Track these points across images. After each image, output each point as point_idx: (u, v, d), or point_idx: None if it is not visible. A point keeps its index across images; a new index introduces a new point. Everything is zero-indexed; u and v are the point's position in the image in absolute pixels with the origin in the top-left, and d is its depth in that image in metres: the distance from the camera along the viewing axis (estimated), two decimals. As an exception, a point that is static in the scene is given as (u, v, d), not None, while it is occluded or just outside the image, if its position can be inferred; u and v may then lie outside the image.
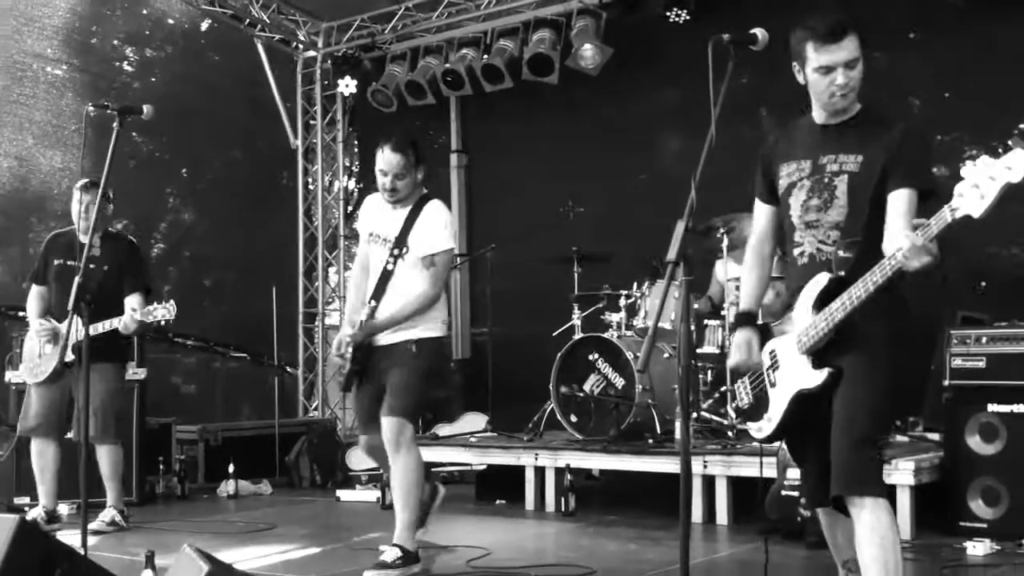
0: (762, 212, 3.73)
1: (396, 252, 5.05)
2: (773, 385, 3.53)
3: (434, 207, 5.13)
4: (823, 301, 3.32)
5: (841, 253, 3.36)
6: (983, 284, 6.53)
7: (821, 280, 3.36)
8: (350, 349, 5.10)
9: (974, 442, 5.56)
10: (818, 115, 3.52)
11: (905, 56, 7.64)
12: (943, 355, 5.75)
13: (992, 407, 5.52)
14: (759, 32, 3.42)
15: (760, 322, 3.69)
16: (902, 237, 3.01)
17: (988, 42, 7.36)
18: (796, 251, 3.52)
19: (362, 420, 5.30)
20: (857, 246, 3.34)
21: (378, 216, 5.22)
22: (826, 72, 3.35)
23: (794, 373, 3.43)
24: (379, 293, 5.09)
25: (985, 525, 5.41)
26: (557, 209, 8.27)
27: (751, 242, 3.78)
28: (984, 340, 5.62)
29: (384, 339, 5.07)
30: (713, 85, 3.29)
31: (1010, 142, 2.83)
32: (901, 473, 5.49)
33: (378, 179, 5.10)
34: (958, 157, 7.63)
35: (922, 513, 5.57)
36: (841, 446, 3.27)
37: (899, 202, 3.29)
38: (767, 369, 3.56)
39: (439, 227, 5.08)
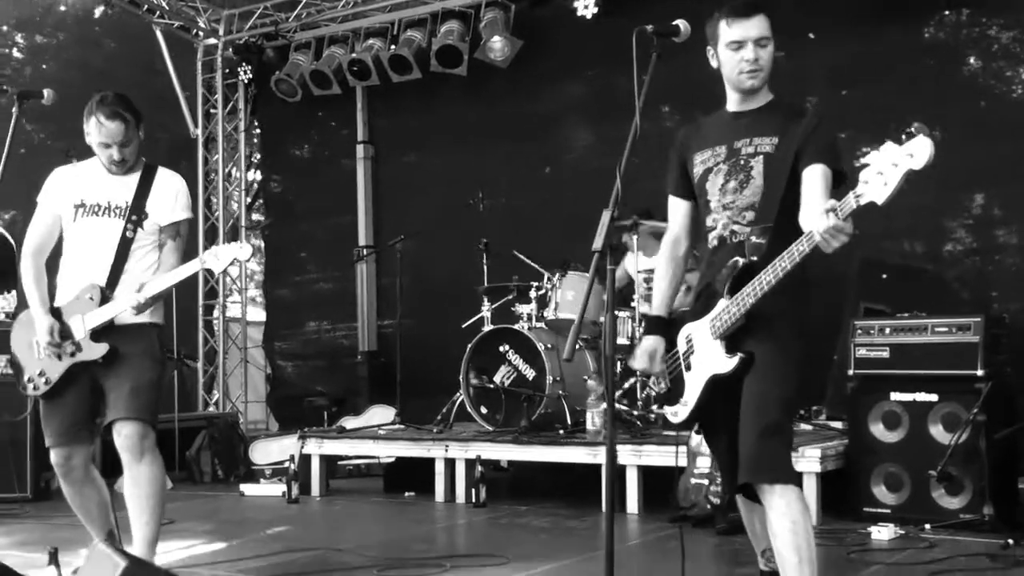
0: (677, 208, 3.71)
1: (135, 219, 4.41)
2: (689, 369, 3.54)
3: (169, 174, 4.58)
4: (735, 286, 3.33)
5: (754, 239, 3.37)
6: (884, 276, 6.70)
7: (734, 265, 3.37)
8: (61, 339, 4.34)
9: (877, 430, 5.69)
10: (731, 101, 3.55)
11: (804, 56, 7.79)
12: (847, 345, 5.88)
13: (895, 395, 5.64)
14: (682, 24, 3.41)
15: (671, 314, 3.69)
16: (818, 216, 3.00)
17: (882, 41, 7.56)
18: (710, 235, 3.54)
19: (66, 428, 4.40)
20: (770, 232, 3.36)
21: (92, 185, 4.49)
22: (737, 48, 3.41)
23: (708, 358, 3.44)
24: (118, 266, 4.39)
25: (888, 510, 5.53)
26: (466, 201, 8.24)
27: (665, 242, 3.76)
28: (888, 331, 5.76)
29: (122, 318, 4.34)
30: (637, 76, 3.30)
31: (913, 128, 2.84)
32: (807, 461, 5.59)
33: (99, 153, 4.43)
34: (853, 155, 7.84)
35: (827, 499, 5.68)
36: (749, 435, 3.28)
37: (815, 177, 3.31)
38: (683, 354, 3.56)
39: (180, 194, 4.54)
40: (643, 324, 3.73)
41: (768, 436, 3.26)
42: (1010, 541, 4.87)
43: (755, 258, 3.33)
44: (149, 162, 4.57)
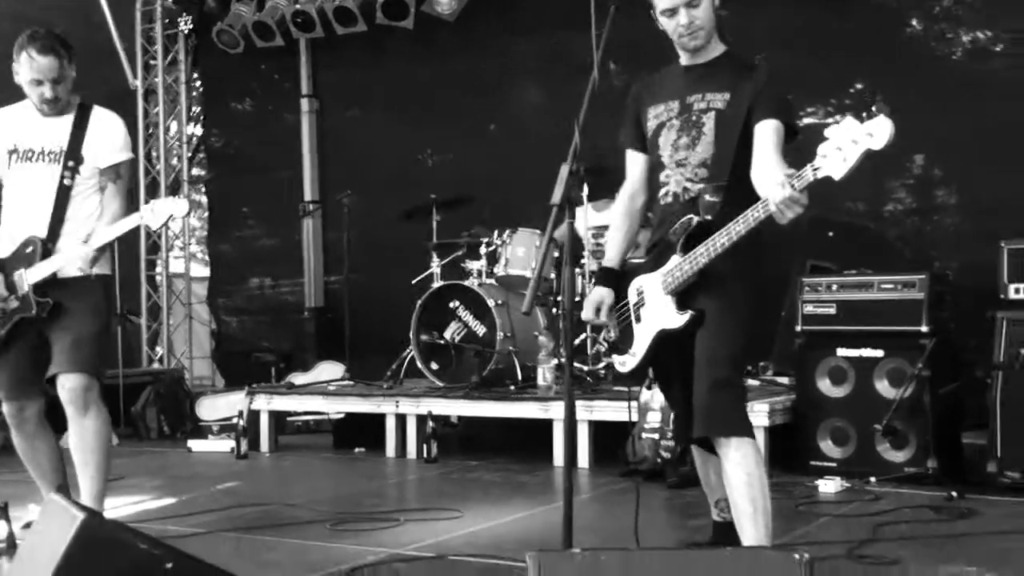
0: (634, 161, 3.76)
1: (72, 164, 4.28)
2: (639, 321, 3.59)
3: (105, 113, 4.42)
4: (688, 244, 3.37)
5: (707, 197, 3.43)
6: (831, 234, 6.79)
7: (689, 223, 3.41)
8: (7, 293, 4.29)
9: (824, 385, 5.78)
10: (683, 57, 3.61)
11: (747, 15, 7.77)
12: (795, 302, 5.96)
13: (841, 351, 5.73)
14: None
15: (623, 266, 3.75)
16: (775, 186, 3.02)
17: (824, 2, 7.59)
18: (661, 191, 3.58)
19: (16, 382, 4.37)
20: (724, 190, 3.40)
21: (24, 129, 4.34)
22: (671, 15, 3.45)
23: (658, 312, 3.49)
24: (59, 215, 4.29)
25: (834, 464, 5.63)
26: (414, 157, 8.19)
27: (621, 196, 3.80)
28: (835, 287, 5.84)
29: (65, 271, 4.25)
30: (595, 29, 3.31)
31: (874, 107, 2.90)
32: (756, 415, 5.64)
33: (30, 92, 4.26)
34: (796, 115, 7.87)
35: (775, 453, 5.77)
36: (703, 390, 3.34)
37: (767, 132, 3.35)
38: (633, 305, 3.61)
39: (117, 134, 4.40)
40: (594, 275, 3.78)
41: (721, 391, 3.33)
42: (953, 494, 4.99)
43: (709, 217, 3.38)
44: (84, 101, 4.41)
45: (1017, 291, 5.41)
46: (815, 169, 2.91)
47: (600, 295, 3.68)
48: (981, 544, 4.23)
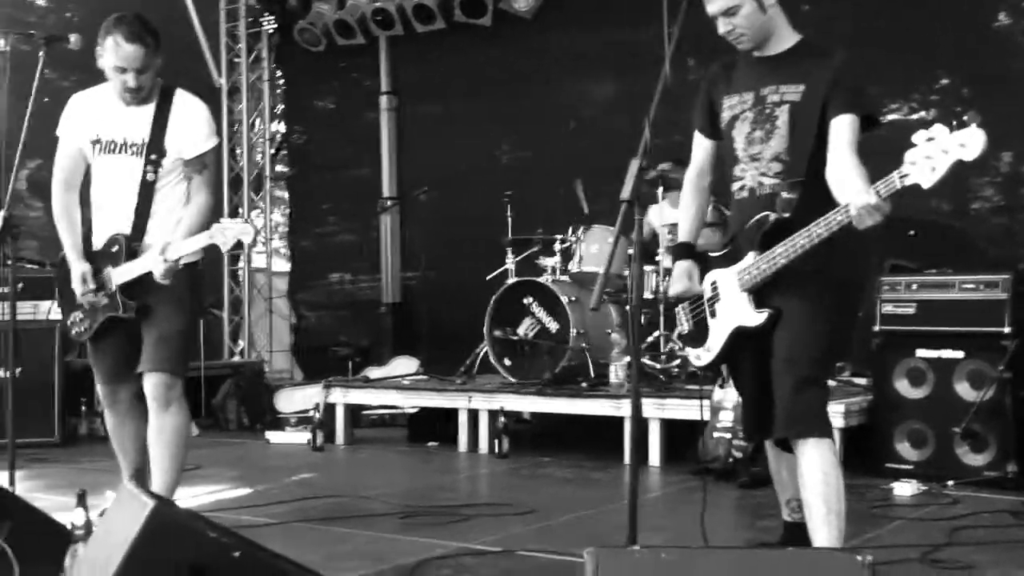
0: (701, 145, 3.74)
1: (154, 158, 4.20)
2: (713, 316, 3.58)
3: (187, 99, 4.30)
4: (766, 241, 3.34)
5: (785, 194, 3.38)
6: (912, 233, 6.64)
7: (765, 220, 3.38)
8: (94, 287, 4.32)
9: (902, 386, 5.66)
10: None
11: (828, 7, 7.66)
12: (873, 301, 5.85)
13: (920, 352, 5.61)
14: None
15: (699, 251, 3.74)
16: (859, 192, 2.99)
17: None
18: (736, 185, 3.55)
19: (110, 369, 4.47)
20: (801, 186, 3.35)
21: (107, 119, 4.26)
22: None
23: (734, 308, 3.47)
24: (143, 209, 4.25)
25: (911, 467, 5.53)
26: (491, 153, 8.19)
27: (689, 175, 3.78)
28: (914, 287, 5.72)
29: (150, 264, 4.19)
30: (668, 24, 3.30)
31: (966, 117, 2.83)
32: (831, 416, 5.54)
33: (113, 78, 4.15)
34: (879, 110, 7.71)
35: (849, 454, 5.67)
36: (783, 388, 3.31)
37: (842, 127, 3.30)
38: (708, 300, 3.60)
39: (201, 121, 4.30)
40: (671, 252, 3.75)
41: (802, 389, 3.30)
42: (1033, 499, 4.88)
43: (787, 215, 3.34)
44: (166, 84, 4.29)
45: (1103, 292, 5.25)
46: (902, 176, 2.87)
47: (687, 266, 3.66)
48: (1061, 551, 4.12)
